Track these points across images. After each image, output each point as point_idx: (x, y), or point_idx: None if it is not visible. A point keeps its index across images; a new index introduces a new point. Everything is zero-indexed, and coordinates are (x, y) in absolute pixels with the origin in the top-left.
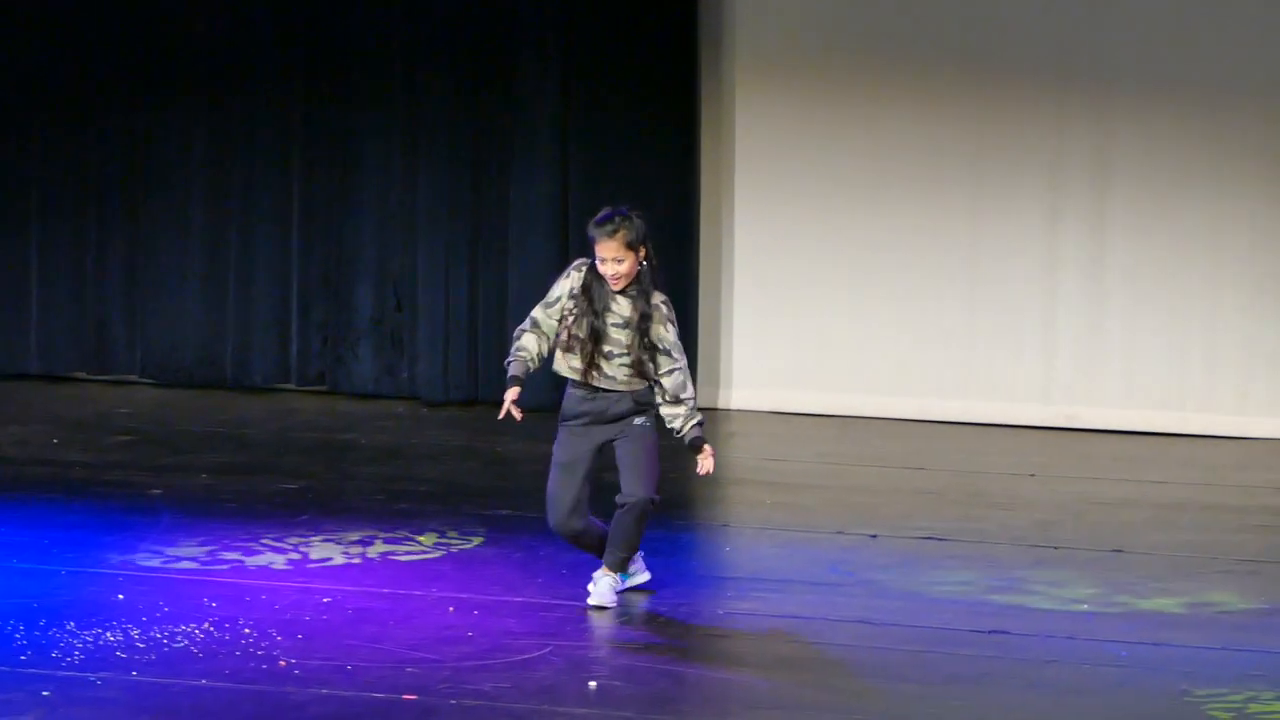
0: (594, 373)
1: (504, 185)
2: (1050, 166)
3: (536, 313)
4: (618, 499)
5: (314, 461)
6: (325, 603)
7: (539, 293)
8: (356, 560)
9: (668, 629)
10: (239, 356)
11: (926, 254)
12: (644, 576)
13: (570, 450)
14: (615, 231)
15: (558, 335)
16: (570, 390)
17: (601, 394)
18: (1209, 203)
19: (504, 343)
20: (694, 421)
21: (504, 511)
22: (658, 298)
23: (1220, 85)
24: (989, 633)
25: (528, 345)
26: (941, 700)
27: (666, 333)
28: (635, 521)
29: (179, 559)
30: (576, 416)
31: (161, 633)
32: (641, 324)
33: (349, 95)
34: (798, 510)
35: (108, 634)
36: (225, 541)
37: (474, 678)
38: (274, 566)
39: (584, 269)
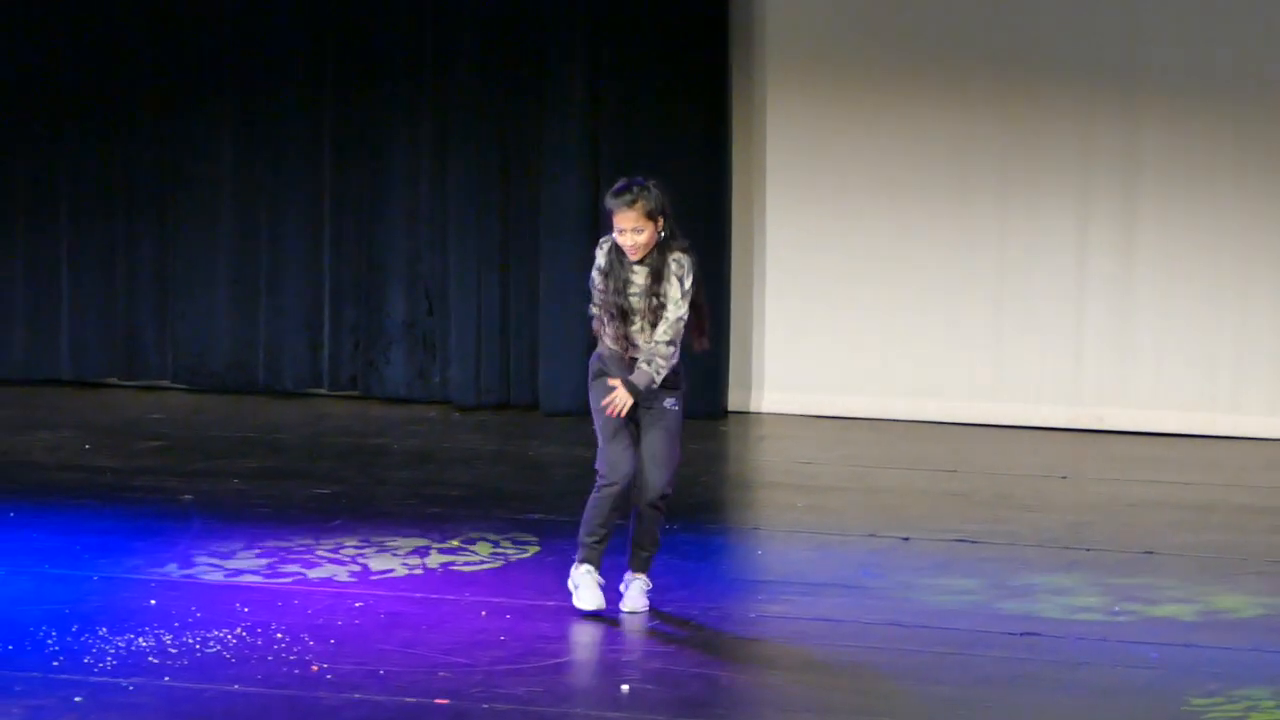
0: (631, 345)
1: (534, 186)
2: (1079, 165)
3: (592, 307)
4: (639, 495)
5: (346, 466)
6: (357, 607)
7: (570, 294)
8: (390, 571)
9: (699, 633)
10: (270, 361)
11: (956, 254)
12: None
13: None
14: (634, 201)
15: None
16: (605, 352)
17: (634, 363)
18: (1240, 201)
19: (535, 345)
20: (643, 362)
21: (536, 516)
22: (672, 254)
23: (1252, 82)
24: (1020, 635)
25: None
26: (973, 703)
27: (670, 287)
28: (655, 521)
29: (211, 565)
30: (604, 373)
31: (194, 638)
32: (653, 287)
33: (378, 97)
34: (829, 513)
35: (140, 639)
36: (257, 547)
37: (506, 682)
38: (307, 571)
39: (605, 246)
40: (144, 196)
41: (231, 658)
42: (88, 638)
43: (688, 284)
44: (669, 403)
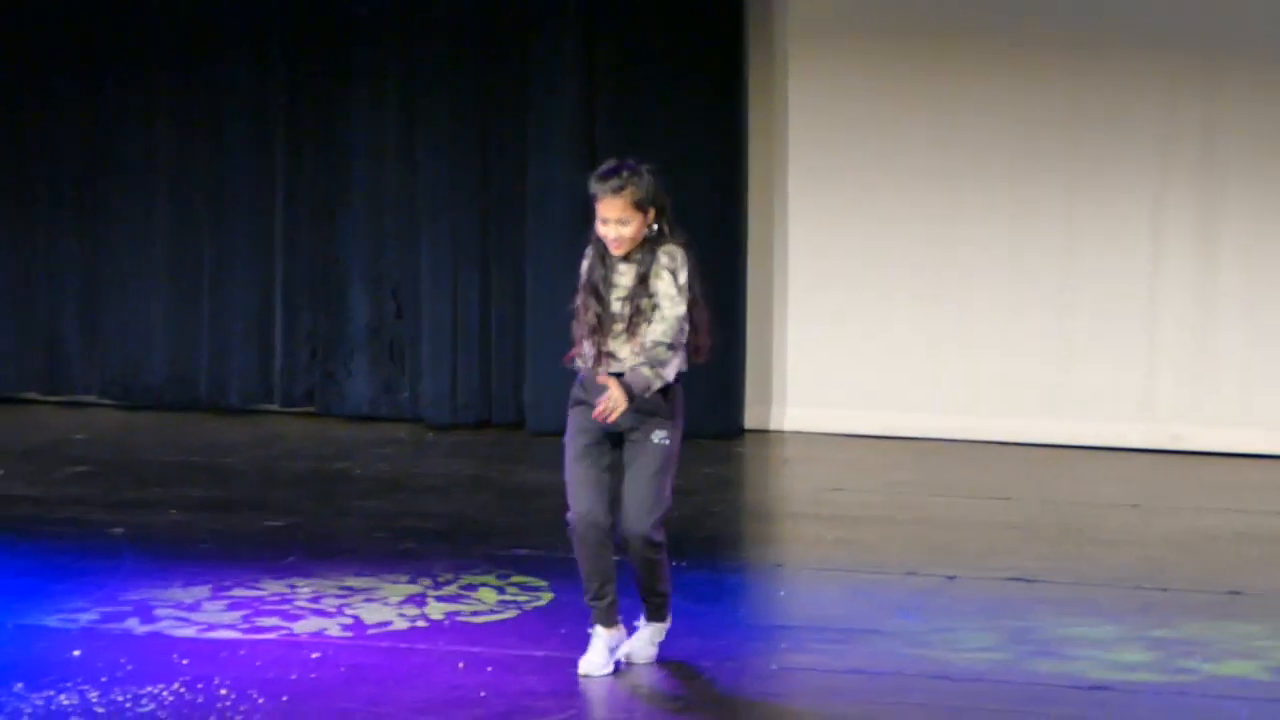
0: (606, 360)
1: (519, 172)
2: (1156, 152)
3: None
4: (624, 543)
5: (302, 495)
6: (314, 659)
7: (560, 295)
8: (350, 610)
9: (712, 687)
10: (214, 373)
11: (1011, 252)
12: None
13: (580, 437)
14: (621, 188)
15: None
16: (582, 371)
17: (610, 379)
18: None
19: (520, 354)
20: (642, 365)
21: (522, 551)
22: (664, 248)
23: None
24: (1088, 689)
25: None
26: None
27: (660, 283)
28: (641, 568)
29: (143, 609)
30: (583, 403)
31: (124, 695)
32: (638, 289)
33: (337, 68)
34: (862, 548)
35: (61, 697)
36: (197, 588)
37: None
38: (256, 616)
39: (588, 253)
40: (66, 182)
41: (168, 717)
42: (1, 695)
43: (682, 278)
44: (658, 436)
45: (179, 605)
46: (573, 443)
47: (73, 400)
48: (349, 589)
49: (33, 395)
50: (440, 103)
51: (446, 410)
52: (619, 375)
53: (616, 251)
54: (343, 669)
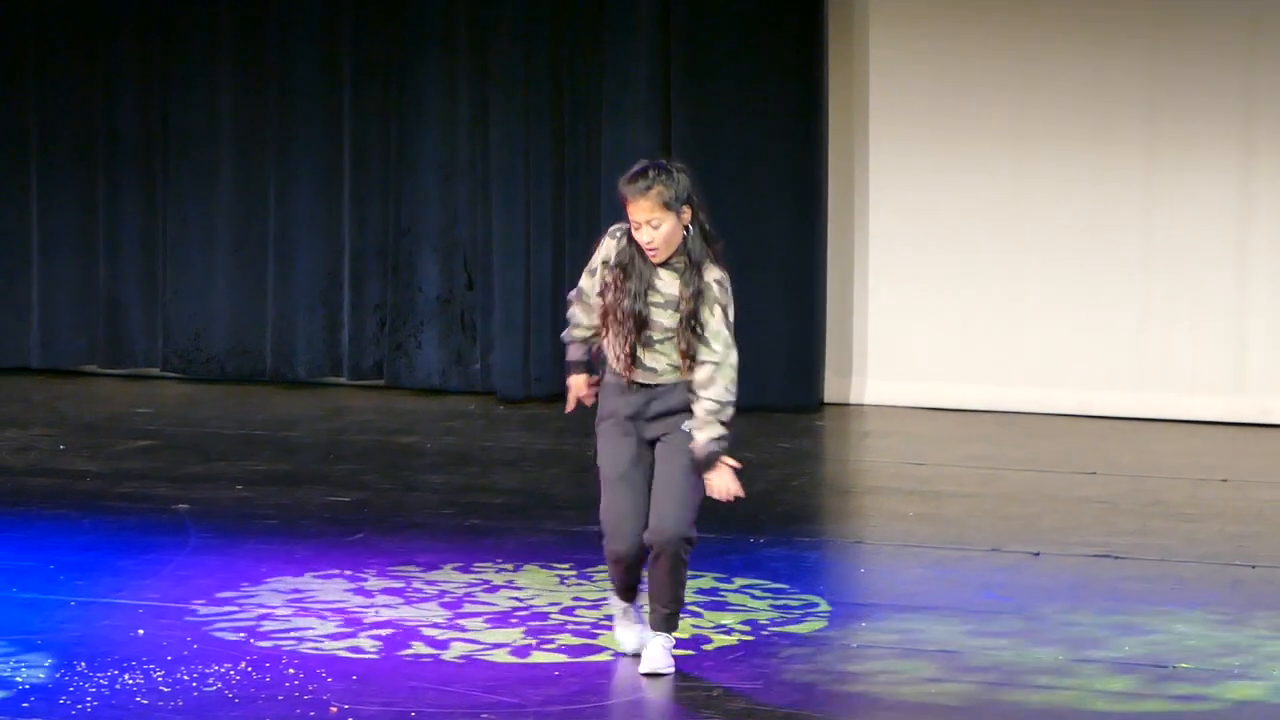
0: (634, 366)
1: (593, 135)
2: (1242, 113)
3: (583, 280)
4: (645, 536)
5: (369, 469)
6: (384, 637)
7: None
8: (420, 588)
9: (791, 665)
10: (279, 345)
11: (1094, 218)
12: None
13: (618, 455)
14: (649, 188)
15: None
16: (607, 379)
17: (641, 389)
18: None
19: None
20: (712, 433)
21: (596, 528)
22: (713, 274)
23: None
24: (1172, 667)
25: (579, 318)
26: None
27: (711, 316)
28: (669, 572)
29: (209, 586)
30: (613, 414)
31: (190, 674)
32: (690, 304)
33: (406, 30)
34: (945, 523)
35: (126, 676)
36: (264, 565)
37: None
38: (324, 594)
39: (620, 235)
40: (128, 146)
41: (235, 697)
42: (63, 674)
43: (731, 313)
44: (687, 425)
45: (245, 581)
46: (610, 465)
47: (134, 373)
48: (418, 565)
49: (93, 368)
50: (512, 68)
51: (519, 383)
52: (712, 454)
53: (654, 259)
54: (412, 647)
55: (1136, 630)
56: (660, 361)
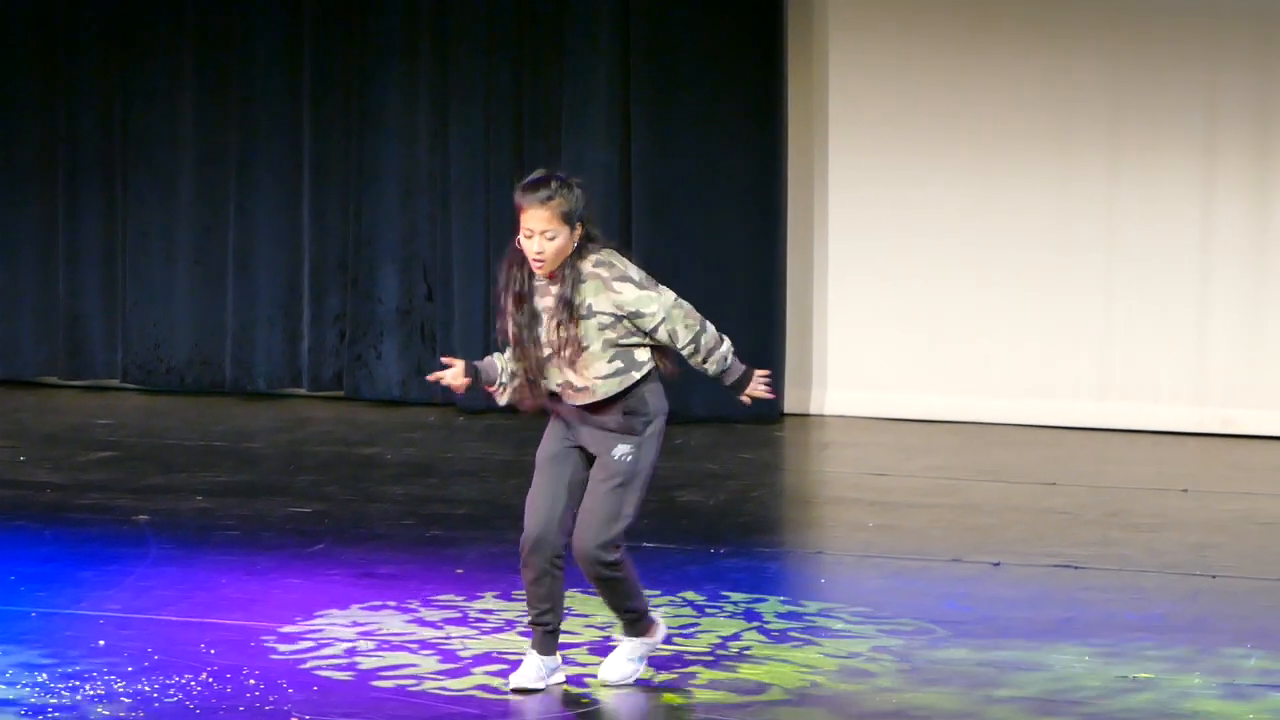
0: (540, 385)
1: (553, 145)
2: (1204, 119)
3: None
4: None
5: (330, 480)
6: (345, 648)
7: None
8: (381, 598)
9: (751, 676)
10: (239, 356)
11: (1056, 226)
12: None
13: (548, 447)
14: (550, 199)
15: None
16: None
17: (569, 411)
18: None
19: None
20: (717, 360)
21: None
22: (589, 261)
23: None
24: (1134, 679)
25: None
26: None
27: (620, 293)
28: (601, 590)
29: (170, 598)
30: (557, 417)
31: (151, 685)
32: (566, 306)
33: (367, 42)
34: (906, 534)
35: (86, 687)
36: (225, 576)
37: None
38: (285, 605)
39: (505, 266)
40: (88, 158)
41: (196, 708)
42: (24, 685)
43: (634, 273)
44: (619, 452)
45: (206, 594)
46: (540, 454)
47: (94, 384)
48: (379, 576)
49: (53, 379)
50: (473, 81)
51: (478, 394)
52: (745, 375)
53: (539, 270)
54: (374, 657)
55: (1096, 642)
56: (587, 378)
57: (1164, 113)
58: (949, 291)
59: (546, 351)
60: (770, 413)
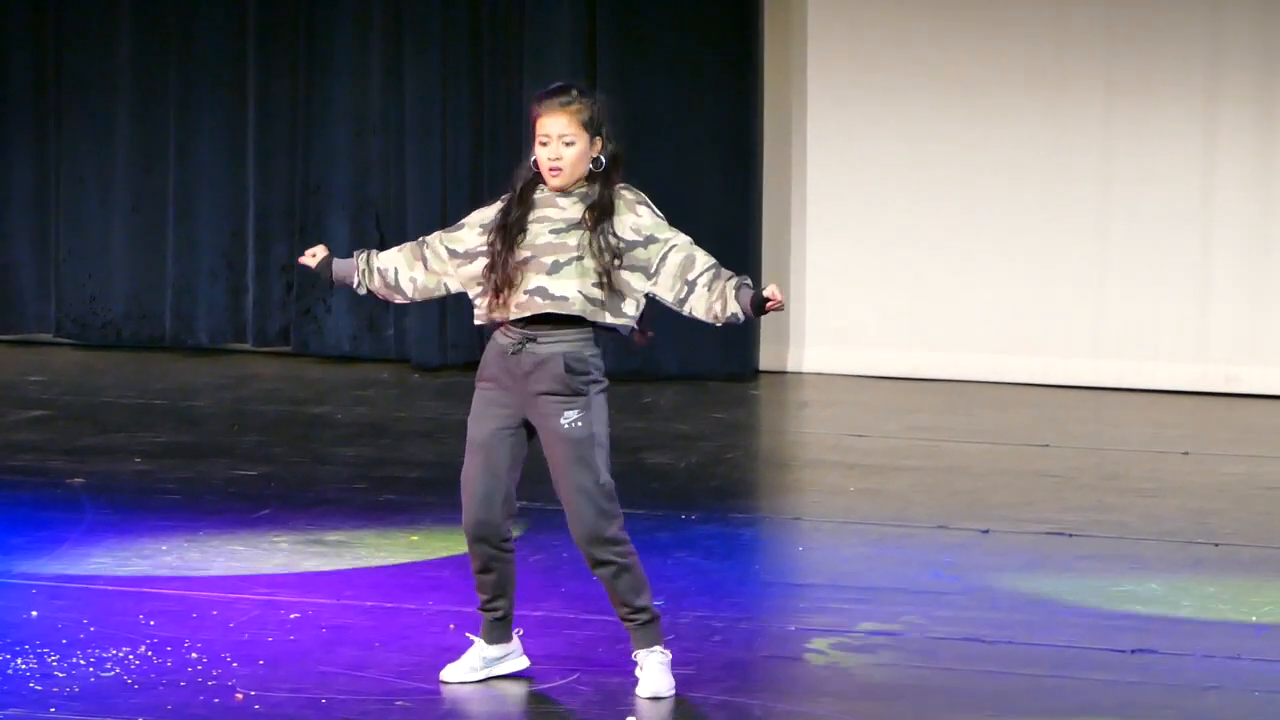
0: (505, 302)
1: (513, 85)
2: (1206, 63)
3: (439, 233)
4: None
5: (277, 441)
6: (293, 619)
7: None
8: (330, 566)
9: (725, 650)
10: (180, 309)
11: (1049, 177)
12: (516, 662)
13: (483, 423)
14: (570, 104)
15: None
16: (490, 344)
17: (525, 350)
18: None
19: None
20: (736, 280)
21: (518, 503)
22: (622, 185)
23: None
24: (1130, 652)
25: (395, 260)
26: None
27: (640, 216)
28: (610, 584)
29: (107, 566)
30: (492, 380)
31: (87, 659)
32: (598, 221)
33: None
34: (888, 499)
35: (18, 660)
36: (165, 543)
37: (480, 713)
38: (229, 573)
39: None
40: (19, 98)
41: (134, 683)
42: None
43: (659, 214)
44: (567, 420)
45: (145, 561)
46: (472, 430)
47: (25, 339)
48: (328, 543)
49: None
50: (429, 16)
51: (434, 350)
52: (757, 299)
53: (554, 180)
54: (323, 630)
55: (1090, 613)
56: (569, 288)
57: (1163, 58)
58: (933, 240)
59: (526, 254)
60: (744, 370)
